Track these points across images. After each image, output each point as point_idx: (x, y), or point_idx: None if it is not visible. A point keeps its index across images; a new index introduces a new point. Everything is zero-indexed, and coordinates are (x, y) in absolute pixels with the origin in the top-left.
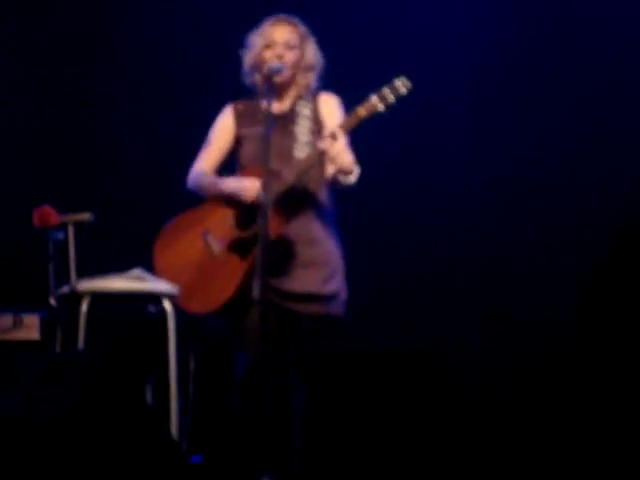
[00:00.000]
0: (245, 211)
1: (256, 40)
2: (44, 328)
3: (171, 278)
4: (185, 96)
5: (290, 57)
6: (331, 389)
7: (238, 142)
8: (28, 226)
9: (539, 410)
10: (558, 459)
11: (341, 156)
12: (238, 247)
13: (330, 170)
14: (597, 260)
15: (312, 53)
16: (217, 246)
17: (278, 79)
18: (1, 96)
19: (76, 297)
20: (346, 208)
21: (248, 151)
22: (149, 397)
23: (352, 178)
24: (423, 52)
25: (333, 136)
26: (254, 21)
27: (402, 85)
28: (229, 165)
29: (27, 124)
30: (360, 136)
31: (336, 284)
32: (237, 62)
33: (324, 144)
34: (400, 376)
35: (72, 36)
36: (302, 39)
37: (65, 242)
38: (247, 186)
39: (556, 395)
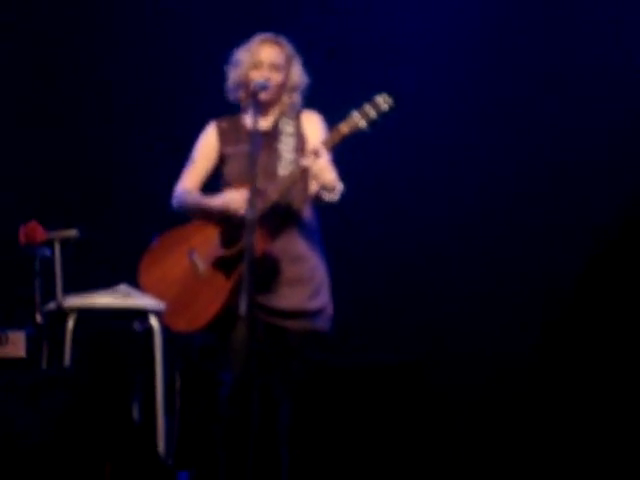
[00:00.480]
0: (230, 229)
1: (243, 57)
2: (30, 345)
3: (157, 296)
4: (172, 113)
5: (276, 78)
6: (317, 404)
7: (222, 160)
8: (14, 242)
9: (528, 422)
10: (547, 473)
11: (324, 173)
12: (223, 265)
13: (313, 187)
14: (591, 269)
15: (298, 73)
16: (202, 264)
17: (263, 96)
18: None
19: (62, 314)
20: (330, 224)
21: (233, 169)
22: (136, 413)
23: (335, 195)
24: (414, 60)
25: (316, 153)
26: (239, 37)
27: (383, 101)
28: (212, 183)
29: (14, 140)
30: (346, 150)
31: (322, 300)
32: (222, 79)
33: (307, 161)
34: (385, 390)
35: (61, 55)
36: (288, 59)
37: (51, 258)
38: (234, 198)
39: (545, 408)
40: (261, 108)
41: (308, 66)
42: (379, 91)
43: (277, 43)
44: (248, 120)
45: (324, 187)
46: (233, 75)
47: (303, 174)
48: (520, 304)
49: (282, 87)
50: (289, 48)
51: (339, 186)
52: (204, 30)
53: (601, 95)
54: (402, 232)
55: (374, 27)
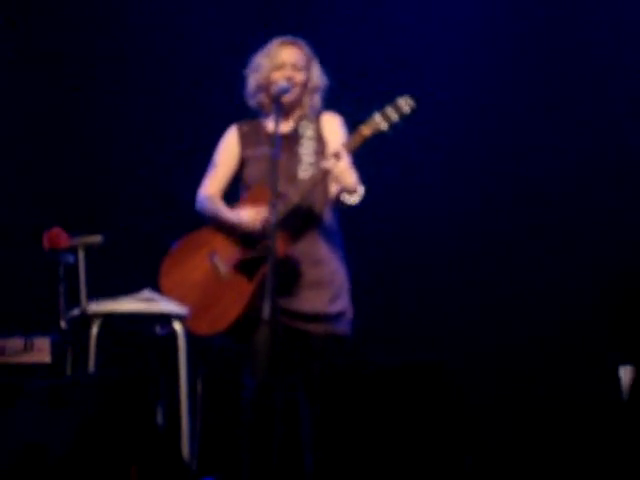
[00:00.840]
0: (251, 232)
1: (263, 61)
2: (55, 351)
3: (177, 299)
4: (194, 118)
5: (299, 78)
6: (339, 407)
7: (242, 163)
8: (38, 249)
9: (544, 424)
10: (564, 472)
11: (345, 175)
12: (244, 268)
13: (334, 190)
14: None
15: (317, 74)
16: (223, 267)
17: (286, 99)
18: (13, 118)
19: (86, 319)
20: (351, 227)
21: (253, 172)
22: (160, 418)
23: (356, 197)
24: (426, 70)
25: (337, 155)
26: (256, 42)
27: (405, 104)
28: (233, 186)
29: (38, 147)
30: (366, 155)
31: (342, 303)
32: (242, 83)
33: (328, 163)
34: (407, 393)
35: (77, 59)
36: (308, 60)
37: (75, 265)
38: (245, 221)
39: (562, 408)
40: (283, 111)
41: (328, 69)
42: (400, 94)
43: (297, 44)
44: (269, 124)
45: (345, 190)
46: (253, 79)
47: (324, 177)
48: (540, 305)
49: (304, 88)
50: (308, 49)
51: (360, 189)
52: (222, 35)
53: (612, 95)
54: (423, 234)
55: (390, 32)
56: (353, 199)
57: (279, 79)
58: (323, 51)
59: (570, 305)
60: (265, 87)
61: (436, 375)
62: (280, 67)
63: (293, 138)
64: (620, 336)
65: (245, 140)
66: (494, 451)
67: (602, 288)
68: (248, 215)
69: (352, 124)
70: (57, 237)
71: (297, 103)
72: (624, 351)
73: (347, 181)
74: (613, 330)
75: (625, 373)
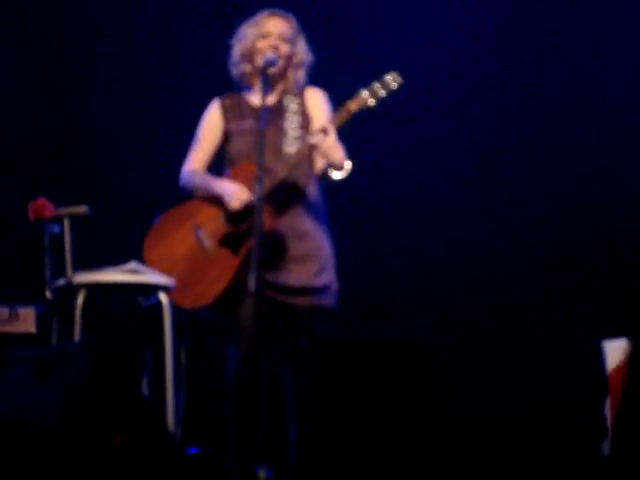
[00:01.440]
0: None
1: (249, 31)
2: (40, 321)
3: (162, 273)
4: (178, 91)
5: (284, 50)
6: (324, 380)
7: (226, 137)
8: (24, 219)
9: (534, 403)
10: (553, 455)
11: (332, 151)
12: (229, 242)
13: (320, 165)
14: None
15: (303, 50)
16: (208, 241)
17: (271, 71)
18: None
19: (72, 290)
20: (337, 201)
21: (237, 146)
22: (145, 389)
23: (343, 173)
24: (420, 49)
25: (324, 131)
26: (244, 16)
27: (393, 80)
28: (218, 160)
29: (23, 117)
30: (353, 130)
31: (328, 276)
32: (225, 57)
33: (315, 139)
34: (392, 366)
35: (65, 35)
36: (295, 34)
37: (61, 235)
38: (233, 194)
39: (549, 388)
40: (269, 84)
41: (316, 45)
42: (387, 70)
43: (285, 17)
44: (252, 97)
45: (332, 165)
46: (238, 48)
47: (311, 152)
48: (526, 284)
49: (289, 61)
50: (296, 24)
51: (347, 164)
52: (208, 9)
53: (616, 96)
54: (407, 209)
55: (381, 9)
56: (340, 174)
57: (264, 48)
58: (313, 28)
59: (555, 283)
60: (249, 56)
61: (418, 351)
62: (266, 36)
63: (278, 111)
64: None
65: (228, 114)
66: (475, 429)
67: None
68: (232, 191)
69: (339, 100)
70: (42, 207)
71: (281, 76)
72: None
73: (334, 156)
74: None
75: (610, 347)
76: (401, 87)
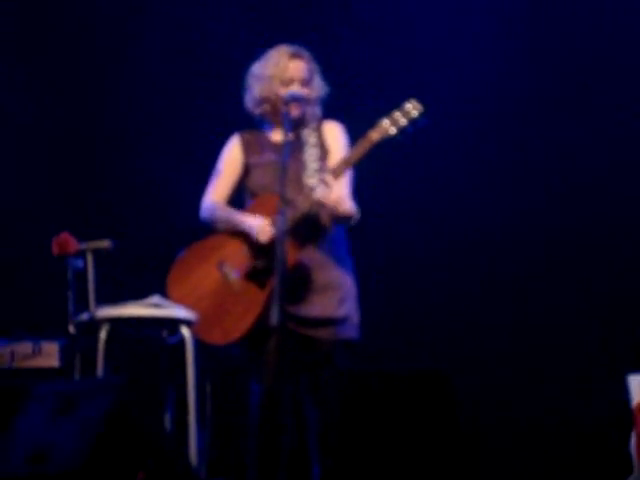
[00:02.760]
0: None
1: (270, 72)
2: (63, 355)
3: (187, 308)
4: (198, 126)
5: (306, 93)
6: (346, 412)
7: (246, 171)
8: (47, 254)
9: (557, 438)
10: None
11: (337, 206)
12: (255, 276)
13: (326, 218)
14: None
15: (319, 85)
16: (234, 275)
17: (293, 111)
18: (24, 124)
19: (95, 324)
20: (359, 233)
21: (258, 179)
22: (168, 423)
23: (351, 222)
24: (434, 76)
25: (326, 184)
26: (261, 48)
27: (413, 108)
28: (237, 195)
29: (47, 152)
30: (375, 161)
31: (348, 307)
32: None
33: (319, 194)
34: (413, 400)
35: (88, 66)
36: (312, 72)
37: (84, 270)
38: (259, 228)
39: (563, 418)
40: (292, 122)
41: (334, 76)
42: (408, 98)
43: (303, 58)
44: (271, 133)
45: (339, 219)
46: (258, 89)
47: (318, 206)
48: (547, 314)
49: (308, 100)
50: (312, 61)
51: (353, 213)
52: (226, 41)
53: (628, 98)
54: (431, 240)
55: (397, 37)
56: (347, 225)
57: (285, 94)
58: (329, 56)
59: (577, 312)
60: (270, 100)
61: (441, 384)
62: (288, 83)
63: (296, 145)
64: None
65: (248, 147)
66: (497, 463)
67: (610, 295)
68: (259, 224)
69: (359, 130)
70: (65, 242)
71: (302, 115)
72: None
73: (340, 211)
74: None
75: (634, 382)
76: (422, 115)
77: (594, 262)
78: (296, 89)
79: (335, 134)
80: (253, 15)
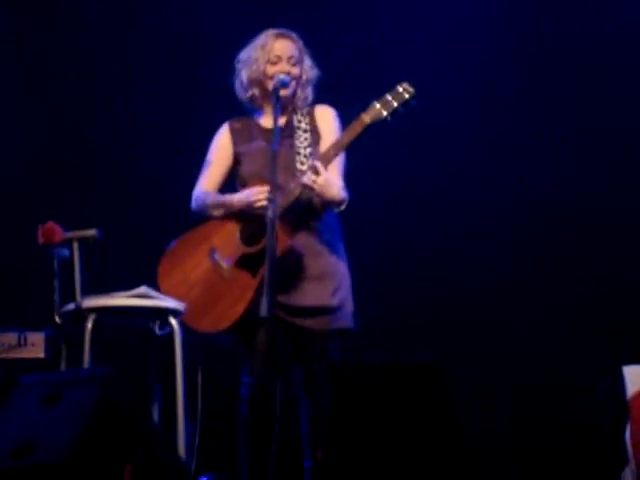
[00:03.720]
0: (251, 226)
1: (257, 54)
2: (49, 346)
3: (179, 299)
4: (188, 113)
5: (295, 72)
6: (339, 405)
7: (236, 160)
8: (33, 242)
9: (552, 429)
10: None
11: (324, 190)
12: (246, 263)
13: (317, 201)
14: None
15: (309, 67)
16: (225, 263)
17: (283, 93)
18: (8, 114)
19: (81, 314)
20: (353, 220)
21: (248, 167)
22: (156, 415)
23: (340, 207)
24: (428, 59)
25: (315, 170)
26: (253, 35)
27: (404, 90)
28: (227, 185)
29: (32, 140)
30: (369, 146)
31: (342, 295)
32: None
33: (306, 179)
34: (409, 391)
35: (77, 61)
36: (301, 53)
37: (70, 259)
38: (255, 191)
39: (559, 410)
40: (282, 105)
41: (327, 60)
42: (399, 81)
43: (291, 37)
44: (261, 119)
45: (328, 203)
46: (246, 73)
47: (304, 190)
48: (545, 305)
49: (297, 81)
50: (300, 42)
51: (343, 198)
52: (217, 28)
53: (621, 97)
54: (427, 229)
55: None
56: (337, 209)
57: (275, 73)
58: (323, 43)
59: (574, 304)
60: (259, 81)
61: (437, 376)
62: (276, 61)
63: (287, 131)
64: None
65: (237, 136)
66: (494, 456)
67: (606, 286)
68: (251, 192)
69: (351, 114)
70: (51, 231)
71: (292, 97)
72: None
73: (327, 195)
74: None
75: (631, 373)
76: (414, 97)
77: (590, 255)
78: (286, 67)
79: (327, 118)
80: (241, 3)
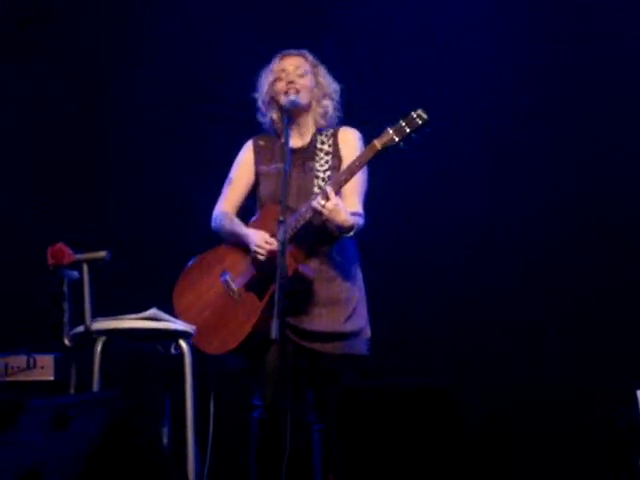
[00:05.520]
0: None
1: (267, 78)
2: (58, 368)
3: (191, 320)
4: (206, 134)
5: (302, 82)
6: (351, 427)
7: (257, 179)
8: (42, 264)
9: (566, 453)
10: None
11: (335, 216)
12: (255, 286)
13: (330, 225)
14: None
15: (325, 79)
16: (235, 285)
17: (295, 109)
18: (16, 135)
19: (91, 337)
20: (369, 245)
21: (266, 188)
22: (165, 439)
23: (351, 233)
24: (442, 83)
25: (325, 196)
26: (270, 55)
27: (418, 117)
28: (251, 200)
29: (42, 161)
30: (387, 172)
31: (358, 322)
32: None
33: (316, 203)
34: (419, 415)
35: (87, 71)
36: (313, 66)
37: (80, 281)
38: (261, 242)
39: (572, 434)
40: (295, 124)
41: (345, 83)
42: (414, 107)
43: (299, 54)
44: (282, 138)
45: (337, 228)
46: (260, 98)
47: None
48: (554, 330)
49: (311, 93)
50: (312, 57)
51: (351, 224)
52: (238, 47)
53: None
54: (440, 256)
55: (407, 45)
56: (347, 234)
57: (282, 87)
58: (344, 66)
59: (588, 326)
60: (273, 103)
61: (447, 399)
62: (282, 76)
63: (308, 152)
64: None
65: (260, 155)
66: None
67: (621, 308)
68: (257, 240)
69: (371, 134)
70: (61, 253)
71: (307, 111)
72: None
73: (336, 220)
74: None
75: None
76: (427, 124)
77: (605, 275)
78: (291, 77)
79: (350, 142)
80: (261, 20)
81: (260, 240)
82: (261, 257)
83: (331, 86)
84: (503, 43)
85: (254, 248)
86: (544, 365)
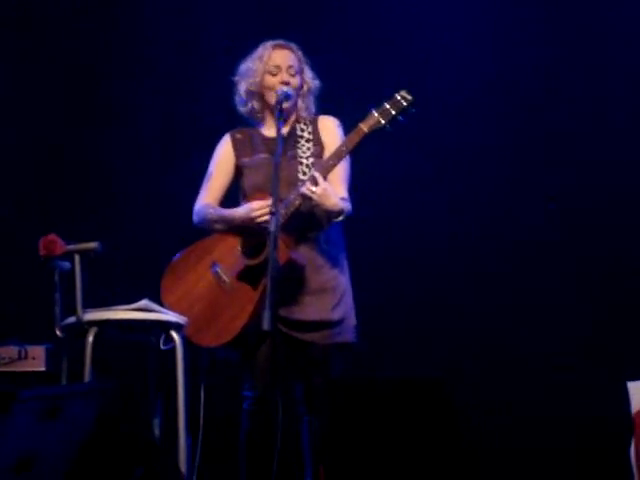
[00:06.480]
0: (252, 238)
1: (255, 66)
2: (50, 359)
3: (182, 314)
4: (189, 126)
5: (295, 82)
6: (341, 418)
7: (239, 172)
8: (34, 255)
9: (557, 445)
10: None
11: (324, 200)
12: (248, 276)
13: (319, 212)
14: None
15: (310, 77)
16: (226, 276)
17: (286, 105)
18: (8, 127)
19: (82, 328)
20: (356, 232)
21: (251, 180)
22: (157, 430)
23: (340, 217)
24: (426, 67)
25: (313, 181)
26: (255, 44)
27: (402, 98)
28: (231, 197)
29: (35, 153)
30: (371, 160)
31: (343, 309)
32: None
33: (305, 189)
34: (411, 407)
35: (76, 69)
36: (301, 63)
37: (71, 272)
38: (256, 207)
39: (563, 426)
40: (284, 117)
41: (329, 67)
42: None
43: (290, 48)
44: (263, 130)
45: (327, 213)
46: (245, 85)
47: (303, 201)
48: (545, 321)
49: (299, 91)
50: (300, 52)
51: (341, 209)
52: (219, 39)
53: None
54: (432, 242)
55: (392, 27)
56: (336, 219)
57: (275, 84)
58: (321, 52)
59: (578, 319)
60: (258, 93)
61: (439, 391)
62: (275, 72)
63: (290, 141)
64: None
65: (240, 148)
66: (497, 471)
67: (611, 301)
68: (251, 206)
69: (352, 123)
70: (52, 244)
71: (294, 108)
72: None
73: (326, 205)
74: None
75: (635, 389)
76: (412, 105)
77: (595, 268)
78: (285, 77)
79: (330, 129)
80: (245, 15)
81: (255, 204)
82: (266, 217)
83: (314, 82)
84: (501, 42)
85: (253, 214)
86: (535, 356)
